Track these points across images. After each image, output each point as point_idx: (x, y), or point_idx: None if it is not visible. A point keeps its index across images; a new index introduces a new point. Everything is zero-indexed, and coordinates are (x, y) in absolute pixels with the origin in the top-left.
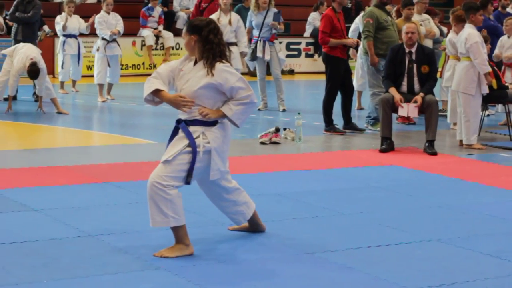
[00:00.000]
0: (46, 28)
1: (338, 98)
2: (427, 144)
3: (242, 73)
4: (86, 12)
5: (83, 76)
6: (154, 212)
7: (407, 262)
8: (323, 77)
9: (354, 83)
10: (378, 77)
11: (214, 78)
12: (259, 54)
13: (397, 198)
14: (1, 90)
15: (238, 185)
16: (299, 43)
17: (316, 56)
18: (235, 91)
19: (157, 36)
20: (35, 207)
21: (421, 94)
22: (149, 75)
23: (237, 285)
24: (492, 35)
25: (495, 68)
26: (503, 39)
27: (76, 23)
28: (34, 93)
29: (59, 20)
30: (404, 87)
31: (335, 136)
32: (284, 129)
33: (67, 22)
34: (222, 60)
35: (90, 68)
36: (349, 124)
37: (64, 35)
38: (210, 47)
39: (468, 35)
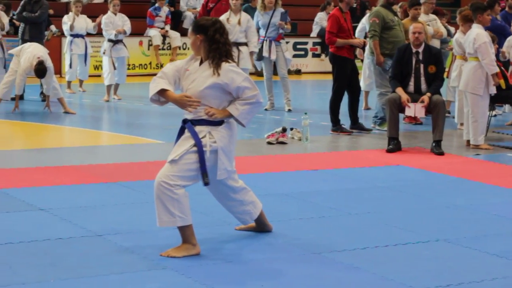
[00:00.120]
0: (53, 28)
1: (345, 98)
2: (434, 144)
3: (250, 73)
4: (93, 12)
5: (90, 76)
6: (161, 212)
7: (414, 262)
8: (330, 77)
9: (361, 83)
10: (385, 77)
11: (220, 78)
12: (265, 54)
13: (404, 198)
14: (8, 90)
15: (245, 185)
16: (306, 43)
17: (323, 56)
18: (241, 91)
19: (164, 36)
20: (42, 207)
21: (428, 94)
22: (156, 75)
23: (244, 285)
24: (499, 35)
25: (502, 68)
26: (511, 39)
27: (83, 23)
28: (41, 93)
29: (66, 20)
30: (411, 87)
31: (342, 136)
32: (291, 129)
33: (74, 22)
34: (228, 60)
35: (97, 68)
36: (356, 124)
37: (71, 35)
38: (216, 46)
39: (477, 35)
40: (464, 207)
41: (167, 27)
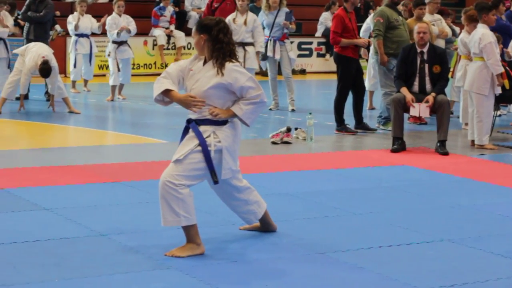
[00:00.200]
0: (58, 27)
1: (350, 98)
2: (438, 144)
3: (255, 73)
4: (98, 12)
5: (95, 76)
6: (165, 211)
7: (418, 262)
8: (334, 77)
9: (366, 83)
10: (390, 76)
11: (224, 78)
12: (269, 53)
13: (409, 198)
14: (13, 89)
15: (249, 184)
16: (310, 43)
17: (327, 56)
18: (245, 91)
19: (169, 36)
20: (47, 206)
21: (433, 94)
22: (160, 74)
23: (248, 285)
24: (504, 35)
25: (507, 68)
26: None
27: (88, 23)
28: (46, 92)
29: (71, 20)
30: (416, 87)
31: (347, 136)
32: (296, 128)
33: (79, 21)
34: (232, 60)
35: (102, 67)
36: (360, 124)
37: (76, 35)
38: (220, 46)
39: (482, 35)
40: (469, 207)
41: (172, 27)
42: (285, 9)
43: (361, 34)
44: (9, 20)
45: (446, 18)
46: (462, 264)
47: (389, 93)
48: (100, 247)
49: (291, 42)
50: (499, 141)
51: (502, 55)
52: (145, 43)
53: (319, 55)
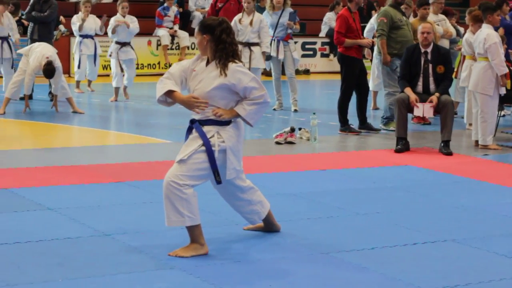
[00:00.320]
0: (62, 27)
1: (354, 98)
2: (442, 145)
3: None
4: (101, 12)
5: (98, 76)
6: (169, 211)
7: (422, 263)
8: (338, 77)
9: (370, 83)
10: (393, 77)
11: (227, 78)
12: (273, 53)
13: (412, 198)
14: (17, 89)
15: (252, 184)
16: (314, 43)
17: (331, 56)
18: (249, 91)
19: (173, 36)
20: (50, 206)
21: (437, 94)
22: (163, 75)
23: (252, 285)
24: (508, 35)
25: (511, 68)
26: None
27: (93, 23)
28: (50, 92)
29: (76, 21)
30: (420, 87)
31: (351, 136)
32: (300, 129)
33: (84, 22)
34: (235, 60)
35: (106, 67)
36: (364, 124)
37: (80, 36)
38: (222, 46)
39: (487, 36)
40: (472, 207)
41: (176, 27)
42: (289, 9)
43: (365, 34)
44: (13, 25)
45: (450, 18)
46: (466, 265)
47: (392, 93)
48: (103, 247)
49: (295, 42)
50: (503, 142)
51: (506, 55)
52: (149, 43)
53: (323, 55)
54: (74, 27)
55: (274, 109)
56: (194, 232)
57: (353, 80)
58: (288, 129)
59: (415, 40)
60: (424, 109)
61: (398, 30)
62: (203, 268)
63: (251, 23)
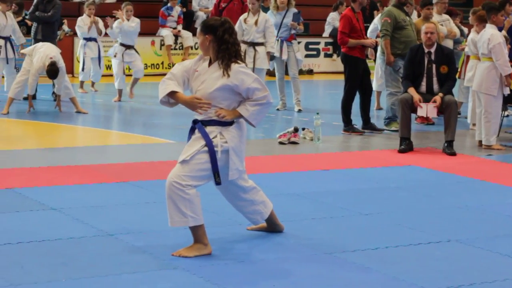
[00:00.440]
0: (65, 27)
1: (357, 98)
2: (446, 145)
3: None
4: (105, 12)
5: (102, 76)
6: (172, 212)
7: (426, 263)
8: (341, 77)
9: (374, 83)
10: (396, 77)
11: (230, 79)
12: (276, 53)
13: (416, 198)
14: (21, 89)
15: (255, 184)
16: (318, 43)
17: (335, 56)
18: (251, 92)
19: (176, 36)
20: (54, 206)
21: (440, 94)
22: (165, 75)
23: (255, 285)
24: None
25: None
26: None
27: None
28: (53, 92)
29: (82, 24)
30: (423, 87)
31: (354, 136)
32: (303, 129)
33: (92, 24)
34: (238, 61)
35: (109, 67)
36: (367, 124)
37: (84, 38)
38: (225, 47)
39: (491, 36)
40: (476, 207)
41: (179, 27)
42: (293, 10)
43: (368, 35)
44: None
45: (454, 18)
46: (469, 265)
47: (394, 93)
48: (107, 247)
49: (299, 43)
50: (507, 142)
51: (510, 55)
52: (153, 43)
53: (326, 55)
54: (80, 30)
55: (278, 109)
56: (197, 232)
57: (357, 80)
58: (291, 129)
59: (419, 40)
60: (427, 109)
61: (402, 30)
62: (207, 268)
63: (256, 23)
